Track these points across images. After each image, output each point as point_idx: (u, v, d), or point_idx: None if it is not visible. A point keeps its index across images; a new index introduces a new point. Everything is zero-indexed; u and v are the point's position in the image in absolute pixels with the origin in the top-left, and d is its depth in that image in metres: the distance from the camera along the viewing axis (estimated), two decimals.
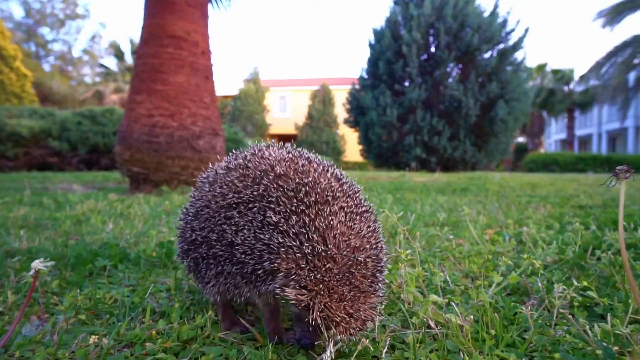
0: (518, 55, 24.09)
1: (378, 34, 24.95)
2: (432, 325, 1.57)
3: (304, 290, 1.28)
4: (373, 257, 1.38)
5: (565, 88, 42.51)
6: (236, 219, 1.48)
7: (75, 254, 2.51)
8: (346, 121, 27.82)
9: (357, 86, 26.37)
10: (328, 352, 1.09)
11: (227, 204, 1.53)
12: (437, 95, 23.51)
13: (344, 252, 1.32)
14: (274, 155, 1.62)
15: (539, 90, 40.54)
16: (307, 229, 1.34)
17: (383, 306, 1.38)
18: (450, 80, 23.54)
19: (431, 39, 24.20)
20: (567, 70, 43.02)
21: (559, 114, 43.56)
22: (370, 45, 25.52)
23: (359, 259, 1.33)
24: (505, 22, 23.84)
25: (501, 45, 23.84)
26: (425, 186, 9.42)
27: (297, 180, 1.46)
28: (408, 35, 23.06)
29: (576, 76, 41.61)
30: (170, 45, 8.67)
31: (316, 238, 1.32)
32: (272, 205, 1.42)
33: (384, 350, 1.42)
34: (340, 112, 34.78)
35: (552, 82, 42.60)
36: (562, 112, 42.91)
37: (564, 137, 45.34)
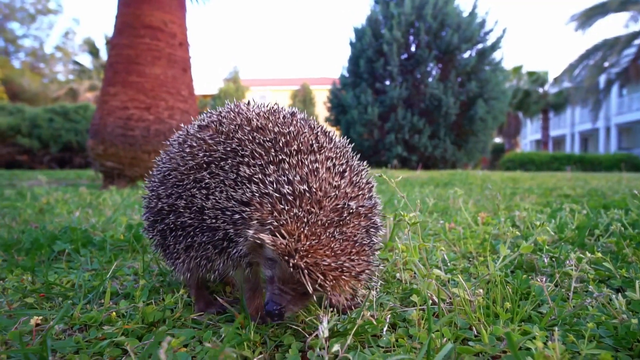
0: (496, 55, 24.44)
1: (359, 33, 24.90)
2: (436, 300, 1.39)
3: (283, 233, 1.06)
4: (367, 208, 1.19)
5: (540, 90, 43.51)
6: (207, 181, 1.27)
7: (31, 238, 2.23)
8: (327, 119, 27.68)
9: (338, 85, 26.28)
10: (325, 323, 0.89)
11: (196, 165, 1.32)
12: (417, 93, 23.62)
13: (332, 197, 1.13)
14: (252, 109, 1.42)
15: (515, 92, 41.34)
16: (287, 174, 1.15)
17: (379, 272, 1.19)
18: (430, 79, 23.69)
19: (411, 38, 24.30)
20: (541, 72, 44.05)
21: (534, 115, 44.53)
22: (351, 44, 25.45)
23: (350, 205, 1.13)
24: (483, 22, 24.16)
25: (480, 45, 24.14)
26: (408, 181, 9.33)
27: (276, 130, 1.27)
28: (389, 33, 23.10)
29: (550, 78, 42.65)
30: (146, 35, 8.32)
31: (298, 180, 1.13)
32: (246, 159, 1.22)
33: (385, 329, 1.23)
34: (321, 111, 34.67)
35: (528, 84, 43.54)
36: (537, 113, 43.89)
37: (539, 138, 46.40)
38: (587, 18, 31.72)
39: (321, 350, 0.91)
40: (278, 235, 1.06)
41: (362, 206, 1.17)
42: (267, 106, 1.44)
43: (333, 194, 1.13)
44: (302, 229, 1.06)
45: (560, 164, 26.71)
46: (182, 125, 1.54)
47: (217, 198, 1.23)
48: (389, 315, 1.31)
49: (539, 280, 1.37)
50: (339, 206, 1.12)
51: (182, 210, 1.32)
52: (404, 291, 1.61)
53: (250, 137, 1.27)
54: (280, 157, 1.20)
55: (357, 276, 1.11)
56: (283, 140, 1.24)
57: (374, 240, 1.20)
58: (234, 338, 1.16)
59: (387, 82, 24.36)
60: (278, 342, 1.18)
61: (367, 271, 1.13)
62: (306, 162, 1.19)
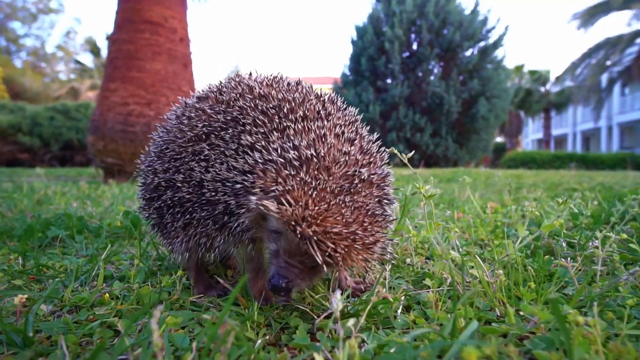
0: (498, 53, 24.31)
1: (360, 31, 24.79)
2: (455, 282, 1.29)
3: (290, 200, 0.97)
4: (379, 177, 1.10)
5: (542, 89, 43.36)
6: (206, 153, 1.19)
7: (25, 225, 2.14)
8: None
9: (339, 84, 26.18)
10: (338, 296, 0.79)
11: (195, 136, 1.23)
12: (419, 92, 23.50)
13: (342, 164, 1.03)
14: (254, 78, 1.33)
15: (517, 91, 41.20)
16: (292, 140, 1.06)
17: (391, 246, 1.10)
18: (432, 77, 23.57)
19: (413, 36, 24.18)
20: (543, 71, 43.90)
21: (535, 114, 44.39)
22: (353, 42, 25.34)
23: (362, 172, 1.04)
24: (485, 20, 24.03)
25: (482, 43, 24.00)
26: (411, 176, 9.23)
27: (280, 97, 1.18)
28: (390, 31, 22.99)
29: (552, 77, 42.50)
30: (146, 30, 8.25)
31: (304, 145, 1.04)
32: (248, 127, 1.14)
33: (399, 310, 1.13)
34: None
35: (529, 83, 43.40)
36: (539, 112, 43.75)
37: (541, 137, 46.24)
38: (589, 16, 31.59)
39: (334, 324, 0.81)
40: (284, 202, 0.96)
41: (374, 174, 1.08)
42: (270, 75, 1.35)
43: (342, 160, 1.05)
44: (309, 195, 0.97)
45: (562, 163, 26.57)
46: (180, 98, 1.45)
47: (217, 170, 1.15)
48: (403, 297, 1.21)
49: (563, 261, 1.27)
50: (349, 173, 1.04)
51: (180, 184, 1.23)
52: (416, 275, 1.52)
53: (253, 105, 1.18)
54: (285, 124, 1.12)
55: (371, 247, 1.01)
56: (287, 107, 1.16)
57: (387, 211, 1.11)
58: (236, 319, 1.07)
59: (389, 81, 24.25)
60: (284, 323, 1.09)
61: (380, 243, 1.04)
62: (313, 128, 1.10)
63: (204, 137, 1.22)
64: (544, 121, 45.52)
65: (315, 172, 1.00)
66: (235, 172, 1.09)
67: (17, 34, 46.10)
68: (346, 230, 0.96)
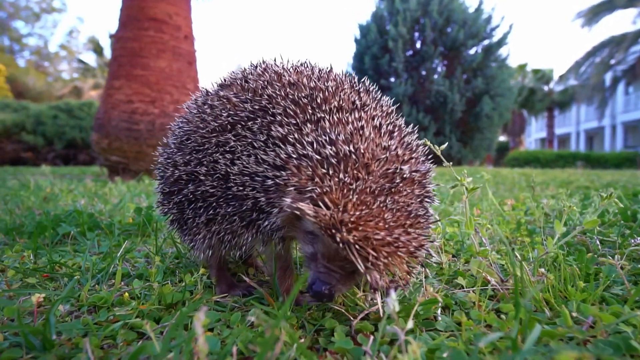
0: (502, 51, 24.17)
1: (364, 29, 24.69)
2: (492, 281, 1.22)
3: (327, 203, 0.89)
4: (421, 173, 1.02)
5: (545, 87, 43.18)
6: (232, 144, 1.11)
7: (34, 222, 2.08)
8: None
9: None
10: (393, 296, 0.72)
11: (219, 126, 1.16)
12: (422, 90, 23.38)
13: (382, 160, 0.96)
14: (281, 65, 1.26)
15: (520, 89, 41.02)
16: (328, 134, 0.99)
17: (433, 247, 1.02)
18: (435, 75, 23.45)
19: (417, 34, 24.06)
20: (547, 70, 43.72)
21: (539, 113, 44.23)
22: (356, 40, 25.24)
23: (403, 169, 0.97)
24: (490, 18, 23.89)
25: (486, 41, 23.86)
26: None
27: (312, 85, 1.11)
28: (394, 29, 22.88)
29: (556, 76, 42.34)
30: (150, 28, 8.20)
31: (342, 139, 0.97)
32: (279, 118, 1.06)
33: (439, 311, 1.06)
34: None
35: (533, 82, 43.22)
36: (542, 111, 43.59)
37: (544, 136, 46.06)
38: (593, 15, 31.41)
39: (391, 326, 0.74)
40: (321, 205, 0.89)
41: (416, 171, 1.01)
42: (297, 62, 1.28)
43: (383, 156, 0.97)
44: (348, 197, 0.89)
45: (565, 162, 26.45)
46: (201, 87, 1.37)
47: (244, 162, 1.07)
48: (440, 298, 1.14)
49: (610, 259, 1.20)
50: (389, 171, 0.96)
51: (203, 178, 1.16)
52: (447, 273, 1.45)
53: (283, 94, 1.11)
54: (319, 115, 1.04)
55: (415, 252, 0.94)
56: (321, 96, 1.08)
57: (429, 211, 1.04)
58: (267, 320, 1.00)
59: (392, 79, 24.14)
60: (318, 325, 1.02)
61: (423, 247, 0.97)
62: (349, 120, 1.02)
63: (229, 127, 1.15)
64: (547, 120, 45.36)
65: (355, 171, 0.93)
66: (266, 166, 1.02)
67: (20, 33, 46.17)
68: (389, 237, 0.89)
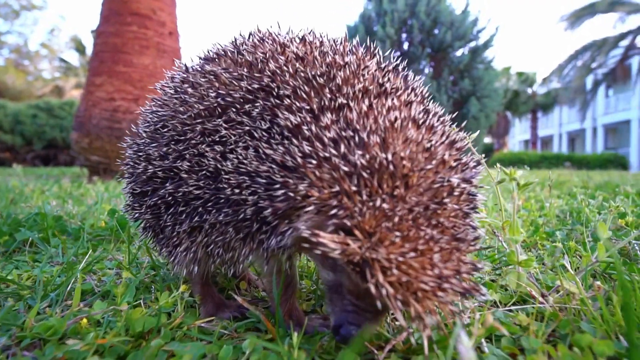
0: (488, 53, 24.33)
1: (352, 30, 24.57)
2: (539, 297, 1.00)
3: (356, 233, 0.68)
4: (468, 183, 0.80)
5: (529, 90, 43.79)
6: (222, 133, 0.87)
7: None
8: None
9: None
10: (465, 341, 0.51)
11: (206, 110, 0.92)
12: None
13: (426, 169, 0.74)
14: (284, 35, 1.02)
15: (505, 92, 41.50)
16: (356, 131, 0.75)
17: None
18: (423, 76, 23.47)
19: (404, 35, 24.05)
20: (530, 73, 44.37)
21: (523, 115, 44.83)
22: None
23: (452, 181, 0.75)
24: (476, 20, 24.04)
25: (473, 43, 24.02)
26: None
27: (328, 61, 0.88)
28: (382, 30, 22.83)
29: (539, 79, 43.03)
30: (133, 23, 7.88)
31: (374, 141, 0.73)
32: (288, 102, 0.82)
33: (483, 340, 0.84)
34: None
35: (517, 84, 43.81)
36: (526, 113, 44.22)
37: (528, 138, 46.69)
38: (576, 18, 31.97)
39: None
40: (348, 232, 0.68)
41: (466, 180, 0.78)
42: (300, 31, 1.04)
43: (428, 166, 0.74)
44: (385, 225, 0.68)
45: (549, 163, 26.76)
46: (178, 61, 1.13)
47: (240, 157, 0.83)
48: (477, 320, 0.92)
49: None
50: (435, 185, 0.73)
51: (185, 175, 0.92)
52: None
53: (291, 70, 0.87)
54: (340, 101, 0.81)
55: (466, 294, 0.73)
56: (341, 75, 0.85)
57: (477, 229, 0.81)
58: (267, 357, 0.76)
59: None
60: None
61: (474, 285, 0.75)
62: (381, 110, 0.79)
63: (218, 111, 0.91)
64: (531, 122, 46.10)
65: (392, 187, 0.70)
66: (271, 165, 0.78)
67: None
68: (435, 281, 0.68)
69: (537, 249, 1.74)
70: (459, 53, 23.88)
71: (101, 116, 7.37)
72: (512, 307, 1.03)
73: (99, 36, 7.93)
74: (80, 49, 45.49)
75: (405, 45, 24.15)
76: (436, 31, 23.42)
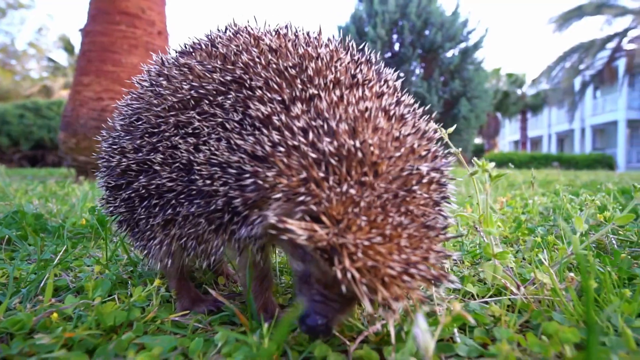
0: (479, 54, 24.54)
1: (343, 30, 24.62)
2: (514, 290, 1.01)
3: (324, 220, 0.68)
4: (438, 172, 0.81)
5: (519, 91, 44.27)
6: (195, 125, 0.87)
7: None
8: None
9: None
10: (422, 323, 0.50)
11: (179, 102, 0.91)
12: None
13: (395, 157, 0.74)
14: (257, 28, 1.02)
15: (495, 93, 41.89)
16: (325, 120, 0.75)
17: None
18: (414, 77, 23.58)
19: (395, 36, 24.16)
20: (520, 74, 44.87)
21: (512, 116, 45.30)
22: None
23: (420, 169, 0.75)
24: (466, 21, 24.25)
25: (463, 44, 24.21)
26: None
27: (300, 52, 0.88)
28: (373, 31, 22.91)
29: (528, 80, 43.52)
30: (122, 22, 7.82)
31: (344, 129, 0.73)
32: (258, 93, 0.82)
33: (456, 331, 0.84)
34: None
35: (507, 85, 44.27)
36: (516, 114, 44.68)
37: (518, 138, 47.17)
38: (564, 21, 32.40)
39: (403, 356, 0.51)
40: (316, 218, 0.68)
41: (436, 169, 0.79)
42: (277, 25, 1.04)
43: (396, 153, 0.74)
44: (353, 211, 0.68)
45: (538, 164, 27.07)
46: (155, 54, 1.12)
47: (212, 148, 0.83)
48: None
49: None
50: (404, 172, 0.74)
51: (158, 168, 0.92)
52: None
53: (264, 62, 0.87)
54: (311, 92, 0.81)
55: (435, 281, 0.74)
56: (313, 66, 0.85)
57: (448, 218, 0.82)
58: (237, 349, 0.76)
59: None
60: (306, 353, 0.78)
61: (444, 271, 0.75)
62: (351, 100, 0.79)
63: (192, 103, 0.90)
64: (520, 123, 46.57)
65: (359, 173, 0.70)
66: (242, 155, 0.78)
67: None
68: (402, 267, 0.68)
69: (519, 244, 1.75)
70: (449, 54, 24.05)
71: (89, 116, 7.30)
72: (488, 299, 1.04)
73: (87, 35, 7.85)
74: (68, 48, 44.98)
75: (397, 46, 24.26)
76: (427, 32, 23.56)
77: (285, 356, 0.78)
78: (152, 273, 1.28)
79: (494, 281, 1.07)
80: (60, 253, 1.31)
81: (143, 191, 0.95)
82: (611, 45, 29.68)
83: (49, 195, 3.71)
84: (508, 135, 54.45)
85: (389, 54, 24.29)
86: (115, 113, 1.12)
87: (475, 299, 1.07)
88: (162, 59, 1.08)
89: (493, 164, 1.13)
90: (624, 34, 28.87)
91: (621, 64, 29.96)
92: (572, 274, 1.00)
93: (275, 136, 0.75)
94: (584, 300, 0.58)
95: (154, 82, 1.00)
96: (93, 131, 7.20)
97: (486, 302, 1.03)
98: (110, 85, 7.55)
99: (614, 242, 1.47)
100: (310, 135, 0.74)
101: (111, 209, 1.07)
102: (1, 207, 2.59)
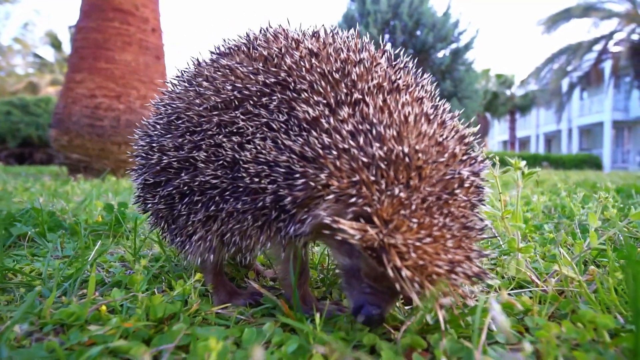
0: (469, 55, 24.80)
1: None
2: (538, 282, 1.06)
3: (375, 220, 0.72)
4: (476, 175, 0.85)
5: (508, 92, 44.77)
6: (240, 125, 0.90)
7: None
8: None
9: None
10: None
11: (222, 103, 0.94)
12: None
13: (439, 162, 0.78)
14: (295, 31, 1.06)
15: (484, 93, 42.35)
16: (373, 125, 0.79)
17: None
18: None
19: (387, 36, 24.30)
20: (509, 75, 45.39)
21: (501, 116, 45.81)
22: None
23: (462, 173, 0.80)
24: (457, 22, 24.48)
25: (454, 45, 24.44)
26: None
27: (342, 57, 0.91)
28: (365, 31, 22.99)
29: (517, 81, 44.03)
30: (115, 19, 7.74)
31: (390, 135, 0.77)
32: (305, 95, 0.85)
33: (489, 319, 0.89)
34: None
35: (496, 86, 44.75)
36: (505, 114, 45.19)
37: (507, 138, 47.76)
38: (552, 23, 32.82)
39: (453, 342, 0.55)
40: (366, 219, 0.73)
41: (475, 173, 0.84)
42: (313, 29, 1.07)
43: (439, 157, 0.79)
44: (401, 213, 0.72)
45: (527, 163, 27.39)
46: (191, 57, 1.15)
47: (258, 147, 0.86)
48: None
49: None
50: (447, 177, 0.78)
51: (202, 165, 0.94)
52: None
53: (307, 65, 0.90)
54: (356, 96, 0.85)
55: (476, 278, 0.79)
56: (356, 71, 0.88)
57: (484, 220, 0.87)
58: (288, 339, 0.80)
59: None
60: (355, 342, 0.83)
61: (482, 270, 0.81)
62: (394, 105, 0.83)
63: (235, 103, 0.93)
64: (509, 123, 47.04)
65: (406, 177, 0.75)
66: (290, 155, 0.82)
67: None
68: (448, 265, 0.74)
69: (527, 240, 1.81)
70: (440, 54, 24.27)
71: (82, 113, 7.21)
72: (512, 292, 1.09)
73: (79, 32, 7.75)
74: (55, 44, 44.22)
75: (388, 46, 24.42)
76: (418, 32, 23.73)
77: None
78: (179, 269, 1.31)
79: (517, 274, 1.12)
80: (95, 249, 1.32)
81: (185, 188, 0.98)
82: (598, 47, 30.19)
83: (50, 193, 3.68)
84: (497, 135, 55.00)
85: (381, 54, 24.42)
86: (152, 113, 1.14)
87: (496, 292, 1.12)
88: (198, 60, 1.11)
89: (524, 162, 1.18)
90: (610, 36, 29.39)
91: (607, 66, 30.51)
92: (593, 267, 1.06)
93: (325, 139, 0.79)
94: (629, 285, 0.63)
95: (194, 83, 1.03)
96: (86, 129, 7.13)
97: (510, 295, 1.08)
98: (104, 82, 7.47)
99: (621, 238, 1.54)
100: (360, 139, 0.78)
101: (148, 205, 1.09)
102: (8, 205, 2.58)
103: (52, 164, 13.34)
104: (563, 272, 1.03)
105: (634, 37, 28.00)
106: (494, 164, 1.22)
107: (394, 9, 23.73)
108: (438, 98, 1.01)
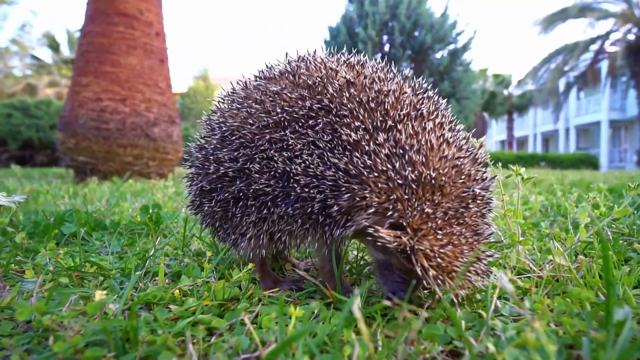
0: (467, 56, 25.03)
1: (333, 31, 24.87)
2: (535, 269, 1.26)
3: (407, 230, 0.93)
4: (486, 191, 1.05)
5: (505, 91, 45.00)
6: (289, 142, 1.08)
7: (32, 220, 1.95)
8: None
9: None
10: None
11: (273, 123, 1.12)
12: None
13: (458, 182, 0.98)
14: (331, 60, 1.24)
15: (482, 93, 42.59)
16: (405, 150, 0.98)
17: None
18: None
19: (385, 37, 24.50)
20: (506, 75, 45.61)
21: (499, 116, 46.05)
22: (326, 42, 25.39)
23: (476, 191, 0.99)
24: (455, 23, 24.68)
25: (452, 46, 24.63)
26: None
27: (376, 88, 1.09)
28: (363, 32, 23.19)
29: (514, 81, 44.24)
30: (120, 23, 7.89)
31: (421, 161, 0.96)
32: (347, 120, 1.04)
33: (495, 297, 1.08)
34: None
35: (493, 86, 44.94)
36: (502, 114, 45.40)
37: (504, 138, 48.05)
38: (549, 23, 33.02)
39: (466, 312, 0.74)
40: (399, 228, 0.94)
41: (485, 189, 1.03)
42: (344, 57, 1.25)
43: (457, 178, 0.98)
44: (428, 224, 0.93)
45: (525, 163, 27.70)
46: (235, 80, 1.33)
47: (307, 162, 1.04)
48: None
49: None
50: (463, 194, 0.98)
51: (256, 175, 1.12)
52: None
53: (347, 94, 1.08)
54: (389, 124, 1.02)
55: (485, 275, 1.02)
56: (389, 101, 1.05)
57: (492, 226, 1.07)
58: (333, 315, 0.99)
59: None
60: (389, 316, 1.02)
61: (489, 269, 1.05)
62: (423, 132, 1.01)
63: (284, 124, 1.11)
64: (507, 123, 47.16)
65: (430, 195, 0.95)
66: (336, 171, 1.00)
67: None
68: (464, 266, 0.95)
69: (525, 236, 2.01)
70: (438, 55, 24.48)
71: (88, 116, 7.35)
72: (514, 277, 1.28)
73: (85, 36, 7.89)
74: (53, 45, 44.18)
75: (387, 47, 24.61)
76: (416, 33, 23.93)
77: (371, 318, 1.01)
78: (225, 262, 1.50)
79: (517, 264, 1.32)
80: (160, 244, 1.51)
81: (240, 194, 1.15)
82: (594, 47, 30.40)
83: (71, 195, 3.86)
84: (495, 135, 55.19)
85: (380, 55, 24.63)
86: (204, 129, 1.31)
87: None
88: (245, 83, 1.28)
89: (524, 169, 1.37)
90: (606, 36, 29.63)
91: (604, 65, 30.75)
92: (581, 256, 1.26)
93: (367, 160, 0.98)
94: (603, 264, 0.81)
95: (246, 104, 1.20)
96: (92, 132, 7.28)
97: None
98: (109, 86, 7.62)
99: (609, 233, 1.74)
100: (396, 163, 0.96)
101: (205, 208, 1.27)
102: (48, 206, 2.76)
103: (54, 166, 13.48)
104: (556, 261, 1.23)
105: (630, 37, 28.24)
106: (495, 165, 1.41)
107: (392, 10, 23.92)
108: (454, 121, 1.18)
